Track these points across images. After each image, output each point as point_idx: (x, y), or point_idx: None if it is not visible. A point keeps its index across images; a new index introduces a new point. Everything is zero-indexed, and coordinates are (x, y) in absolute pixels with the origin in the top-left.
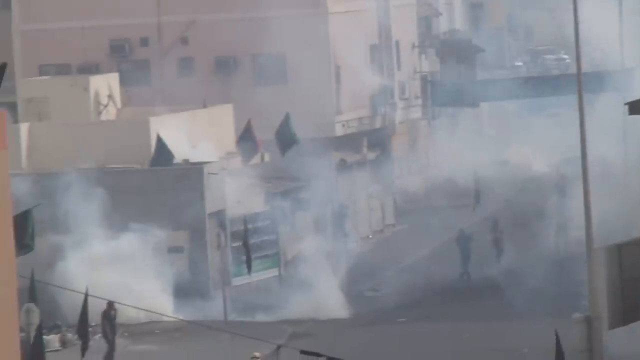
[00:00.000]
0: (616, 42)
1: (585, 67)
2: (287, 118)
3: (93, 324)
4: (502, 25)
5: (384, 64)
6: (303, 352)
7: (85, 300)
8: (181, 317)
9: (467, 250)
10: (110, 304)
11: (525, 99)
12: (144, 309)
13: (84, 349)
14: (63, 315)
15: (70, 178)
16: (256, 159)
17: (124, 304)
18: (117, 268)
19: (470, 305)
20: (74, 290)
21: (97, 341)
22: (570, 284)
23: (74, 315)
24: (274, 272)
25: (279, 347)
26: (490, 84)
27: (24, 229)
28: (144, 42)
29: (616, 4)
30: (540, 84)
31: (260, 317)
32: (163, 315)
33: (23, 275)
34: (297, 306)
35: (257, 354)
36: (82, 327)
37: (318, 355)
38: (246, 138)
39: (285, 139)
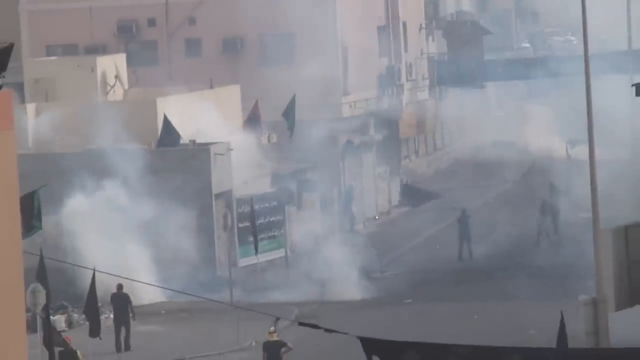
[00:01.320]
0: (624, 23)
1: (593, 49)
2: (293, 100)
3: (99, 304)
4: (509, 6)
5: (391, 45)
6: (301, 323)
7: (93, 280)
8: (210, 298)
9: (467, 230)
10: (120, 286)
11: (532, 79)
12: (159, 286)
13: (93, 330)
14: (77, 295)
15: (77, 158)
16: (263, 140)
17: (147, 283)
18: (122, 250)
19: (476, 286)
20: (80, 266)
21: (101, 322)
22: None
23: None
24: (280, 253)
25: (277, 319)
26: (496, 64)
27: (31, 210)
28: (151, 22)
29: None
30: (547, 65)
31: (267, 298)
32: (185, 294)
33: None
34: (303, 287)
35: (273, 329)
36: (90, 308)
37: (316, 327)
38: (253, 119)
39: (291, 121)
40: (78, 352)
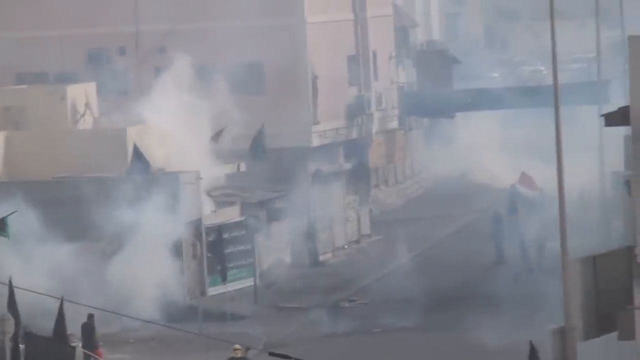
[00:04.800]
0: (593, 55)
1: (563, 79)
2: (261, 129)
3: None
4: (479, 36)
5: (361, 75)
6: (272, 354)
7: (61, 308)
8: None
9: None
10: (91, 316)
11: (502, 109)
12: (128, 316)
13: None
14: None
15: (46, 187)
16: (232, 169)
17: (120, 313)
18: (93, 282)
19: (447, 315)
20: (50, 296)
21: None
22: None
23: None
24: (249, 281)
25: (248, 348)
26: (466, 94)
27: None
28: (122, 51)
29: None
30: (517, 95)
31: (235, 327)
32: (153, 322)
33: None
34: (271, 315)
35: (238, 346)
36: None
37: (287, 357)
38: (217, 147)
39: (257, 149)
40: None
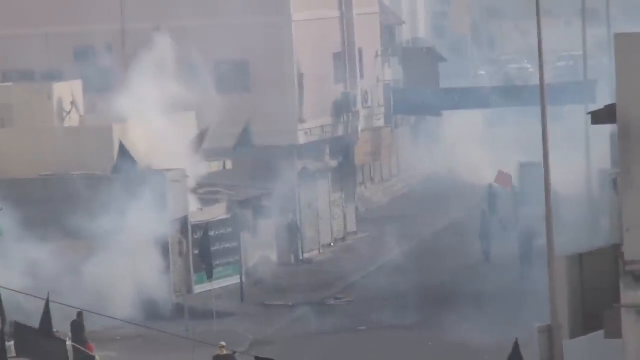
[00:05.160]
0: (580, 53)
1: (549, 77)
2: (247, 125)
3: (55, 330)
4: (466, 34)
5: (347, 72)
6: (258, 358)
7: (47, 306)
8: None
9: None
10: (80, 314)
11: (489, 108)
12: (112, 317)
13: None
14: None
15: (32, 184)
16: (218, 166)
17: (96, 313)
18: (78, 279)
19: (433, 313)
20: (32, 295)
21: None
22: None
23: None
24: (235, 279)
25: (234, 352)
26: (453, 92)
27: None
28: (108, 48)
29: (579, 16)
30: (505, 94)
31: (222, 325)
32: (132, 323)
33: None
34: (257, 313)
35: (223, 343)
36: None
37: None
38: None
39: (244, 146)
40: (97, 357)
